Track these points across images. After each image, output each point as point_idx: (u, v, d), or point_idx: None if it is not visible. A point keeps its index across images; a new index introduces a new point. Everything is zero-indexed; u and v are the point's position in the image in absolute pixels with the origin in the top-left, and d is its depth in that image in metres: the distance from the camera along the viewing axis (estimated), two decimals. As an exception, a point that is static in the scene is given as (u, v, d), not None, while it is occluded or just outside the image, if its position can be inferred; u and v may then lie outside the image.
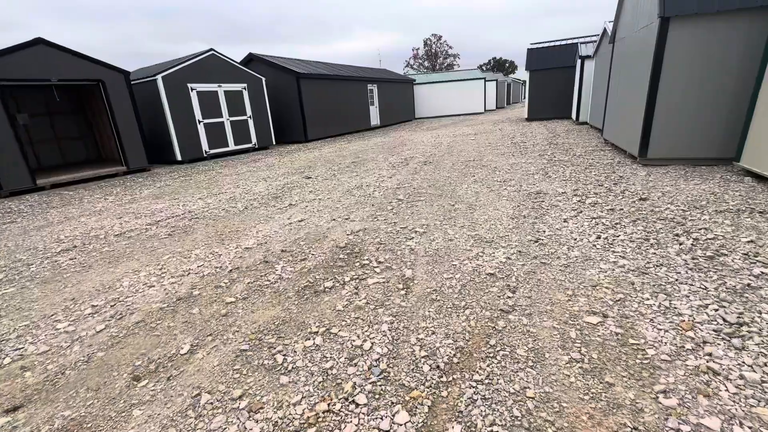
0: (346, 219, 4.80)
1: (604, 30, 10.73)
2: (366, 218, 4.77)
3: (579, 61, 13.67)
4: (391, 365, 2.12)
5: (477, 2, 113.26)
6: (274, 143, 14.61)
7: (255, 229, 4.69)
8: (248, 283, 3.23)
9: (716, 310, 2.39)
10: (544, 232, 3.89)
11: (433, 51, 63.58)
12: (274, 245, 4.07)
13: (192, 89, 11.55)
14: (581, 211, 4.42)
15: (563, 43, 16.95)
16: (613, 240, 3.56)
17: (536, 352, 2.13)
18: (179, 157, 11.45)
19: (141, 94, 11.49)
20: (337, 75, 17.06)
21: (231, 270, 3.52)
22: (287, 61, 16.33)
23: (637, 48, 6.79)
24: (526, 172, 6.66)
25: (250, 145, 13.58)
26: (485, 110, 28.65)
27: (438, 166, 7.85)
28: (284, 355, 2.26)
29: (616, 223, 3.96)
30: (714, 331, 2.20)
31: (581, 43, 14.16)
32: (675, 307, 2.46)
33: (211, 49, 12.05)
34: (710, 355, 2.02)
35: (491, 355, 2.14)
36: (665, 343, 2.14)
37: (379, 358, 2.18)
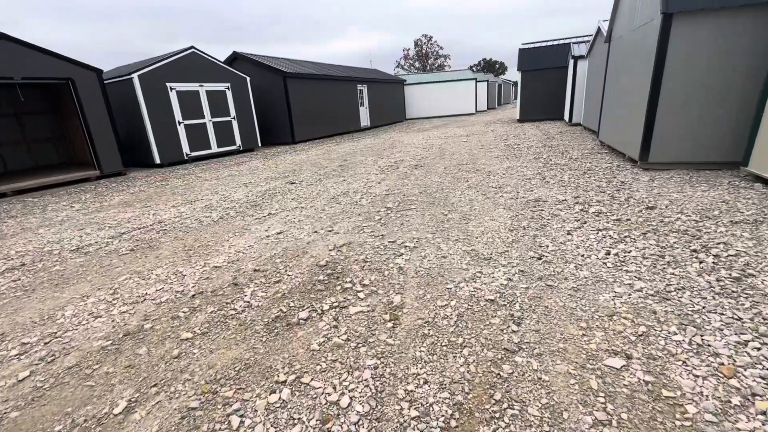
0: (330, 231, 4.37)
1: (598, 29, 10.48)
2: (351, 230, 4.34)
3: (572, 62, 13.44)
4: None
5: (467, 3, 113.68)
6: (260, 145, 14.09)
7: (228, 243, 4.23)
8: (211, 312, 2.78)
9: (758, 349, 2.02)
10: (547, 247, 3.51)
11: (424, 51, 63.45)
12: (247, 263, 3.62)
13: (171, 89, 10.99)
14: (585, 222, 4.06)
15: (555, 43, 16.74)
16: (625, 257, 3.19)
17: (552, 411, 1.74)
18: (158, 160, 10.88)
19: (116, 94, 10.90)
20: (326, 75, 16.60)
21: (194, 295, 3.06)
22: (273, 60, 15.82)
23: (636, 46, 6.49)
24: (522, 177, 6.30)
25: (234, 147, 13.04)
26: (476, 111, 28.44)
27: (429, 170, 7.46)
28: (242, 416, 1.83)
29: (625, 236, 3.61)
30: (761, 378, 1.83)
31: (574, 42, 13.94)
32: (709, 345, 2.09)
33: (192, 47, 11.50)
34: (765, 414, 1.64)
35: (497, 414, 1.74)
36: (706, 396, 1.76)
37: (358, 421, 1.76)
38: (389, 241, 3.90)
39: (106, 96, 9.53)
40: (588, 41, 13.61)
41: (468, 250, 3.56)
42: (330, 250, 3.78)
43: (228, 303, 2.90)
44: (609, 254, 3.27)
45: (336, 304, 2.77)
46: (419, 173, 7.26)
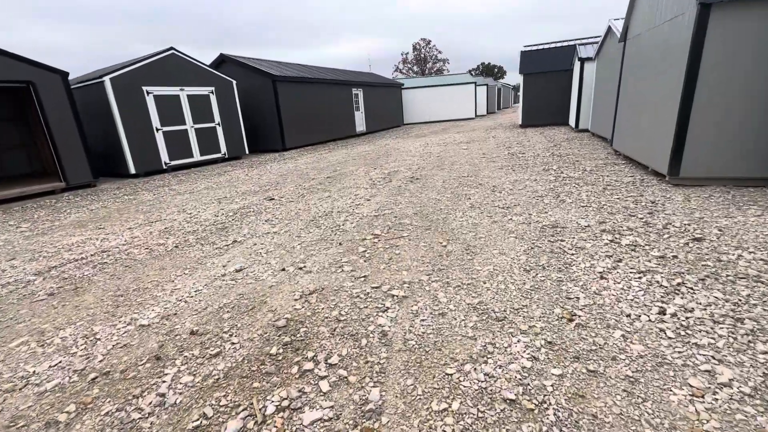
0: (301, 268, 3.52)
1: (609, 29, 9.70)
2: (327, 267, 3.50)
3: (578, 64, 12.67)
4: None
5: (465, 8, 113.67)
6: (247, 152, 13.26)
7: (172, 285, 3.38)
8: (105, 415, 1.93)
9: None
10: (578, 299, 2.67)
11: (423, 55, 62.96)
12: (185, 320, 2.77)
13: (148, 93, 10.17)
14: (620, 259, 3.22)
15: (559, 45, 16.01)
16: (688, 319, 2.35)
17: None
18: (133, 170, 10.04)
19: (87, 98, 10.08)
20: (319, 78, 15.82)
21: (95, 378, 2.21)
22: (263, 63, 15.03)
23: (661, 45, 5.69)
24: (533, 194, 5.47)
25: (219, 155, 12.22)
26: (476, 115, 27.72)
27: (426, 184, 6.62)
28: None
29: (679, 283, 2.77)
30: None
31: (580, 44, 13.19)
32: None
33: (171, 48, 10.70)
34: None
35: None
36: None
37: None
38: (373, 287, 3.05)
39: (72, 101, 8.70)
40: (595, 42, 12.85)
41: (474, 303, 2.71)
42: (295, 300, 2.93)
43: (136, 396, 2.04)
44: (664, 314, 2.42)
45: (286, 402, 1.92)
46: (415, 188, 6.42)
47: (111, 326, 2.75)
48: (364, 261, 3.58)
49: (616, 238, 3.67)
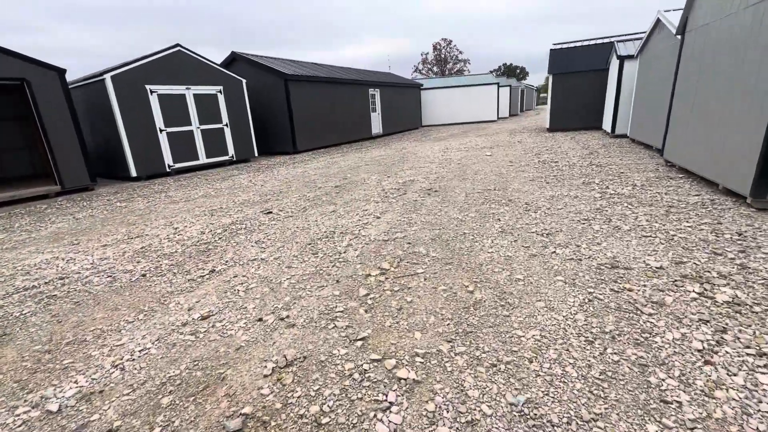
0: (283, 318, 2.71)
1: (657, 22, 8.57)
2: (316, 319, 2.68)
3: (616, 62, 11.49)
4: None
5: (488, 8, 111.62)
6: (256, 155, 12.64)
7: (117, 336, 2.62)
8: None
9: None
10: (680, 406, 1.75)
11: (443, 56, 61.81)
12: (110, 404, 1.99)
13: (152, 92, 9.63)
14: (724, 329, 2.27)
15: (593, 42, 14.78)
16: None
17: None
18: (134, 173, 9.52)
19: (87, 97, 9.64)
20: (333, 78, 15.10)
21: None
22: (275, 61, 14.42)
23: (741, 36, 4.64)
24: (576, 216, 4.51)
25: (226, 158, 11.63)
26: (497, 118, 26.53)
27: (446, 199, 5.73)
28: None
29: (836, 384, 1.81)
30: None
31: (619, 41, 11.98)
32: None
33: (177, 45, 10.15)
34: None
35: None
36: None
37: None
38: (373, 359, 2.20)
39: (69, 99, 8.21)
40: (638, 39, 11.65)
41: (519, 402, 1.83)
42: (265, 377, 2.12)
43: None
44: (839, 452, 1.48)
45: None
46: (432, 203, 5.54)
47: (8, 411, 2.00)
48: (365, 311, 2.73)
49: (706, 290, 2.70)
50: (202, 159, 10.98)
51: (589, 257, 3.37)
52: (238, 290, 3.20)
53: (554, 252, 3.53)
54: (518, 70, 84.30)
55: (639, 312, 2.51)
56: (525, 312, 2.59)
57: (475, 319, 2.55)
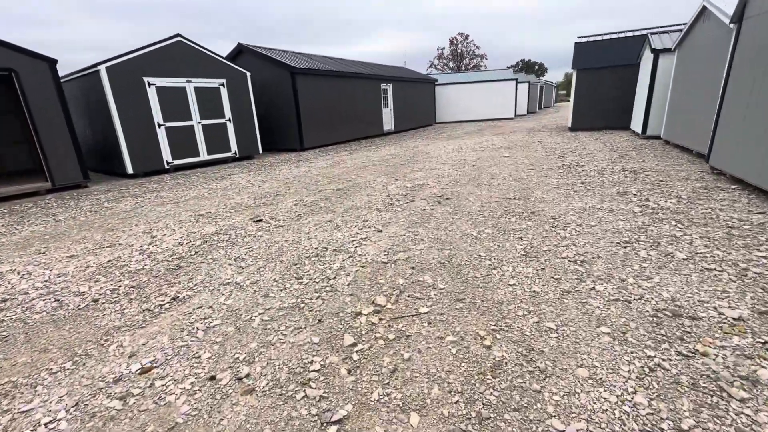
0: (241, 379, 2.09)
1: (703, 9, 7.62)
2: (284, 381, 2.04)
3: (650, 57, 10.50)
4: None
5: (505, 3, 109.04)
6: (260, 151, 12.10)
7: (27, 397, 2.04)
8: None
9: None
10: None
11: (459, 51, 60.43)
12: None
13: (150, 84, 9.15)
14: None
15: (623, 35, 13.73)
16: None
17: None
18: (130, 170, 9.07)
19: (83, 90, 9.23)
20: (343, 71, 14.43)
21: None
22: (283, 53, 13.83)
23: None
24: (615, 236, 3.77)
25: (229, 155, 11.12)
26: (515, 115, 25.47)
27: (459, 208, 5.03)
28: None
29: None
30: None
31: (653, 33, 10.97)
32: None
33: (178, 35, 9.63)
34: None
35: None
36: None
37: None
38: (347, 463, 1.56)
39: (60, 91, 7.76)
40: (675, 30, 10.63)
41: None
42: (194, 487, 1.49)
43: None
44: None
45: None
46: (443, 214, 4.85)
47: None
48: (348, 372, 2.09)
49: (815, 362, 1.96)
50: (203, 156, 10.48)
51: (640, 298, 2.65)
52: (197, 329, 2.59)
53: (593, 288, 2.81)
54: (536, 66, 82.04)
55: (725, 395, 1.80)
56: (562, 386, 1.90)
57: (493, 395, 1.88)
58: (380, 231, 4.32)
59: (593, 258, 3.32)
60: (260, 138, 13.30)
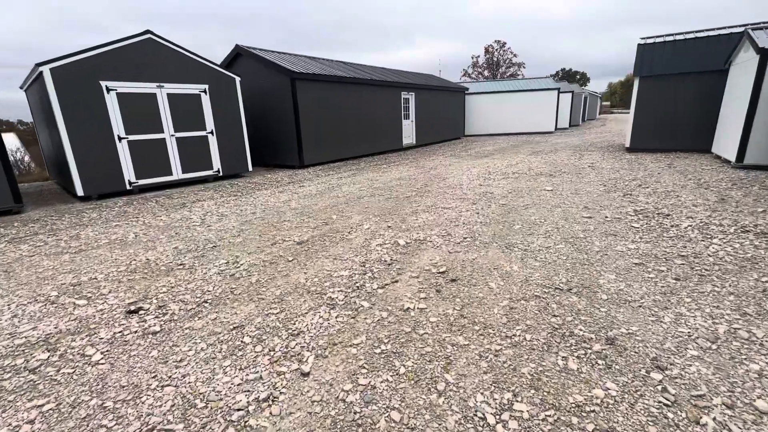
0: None
1: None
2: None
3: (751, 59, 7.83)
4: None
5: (545, 10, 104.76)
6: (250, 169, 10.37)
7: None
8: None
9: None
10: None
11: (495, 59, 57.65)
12: None
13: (109, 89, 7.61)
14: None
15: (705, 35, 10.95)
16: None
17: None
18: (80, 191, 7.53)
19: (39, 96, 7.82)
20: (354, 78, 12.55)
21: None
22: (284, 57, 12.15)
23: None
24: None
25: (210, 173, 9.45)
26: (555, 129, 22.68)
27: (469, 309, 2.85)
28: None
29: None
30: None
31: (755, 29, 8.28)
32: None
33: (148, 32, 8.08)
34: None
35: None
36: None
37: None
38: None
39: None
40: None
41: None
42: None
43: None
44: None
45: None
46: (439, 324, 2.69)
47: None
48: None
49: None
50: (177, 174, 8.85)
51: None
52: None
53: None
54: (578, 76, 77.24)
55: None
56: None
57: None
58: (305, 377, 2.23)
59: None
60: (255, 153, 11.65)
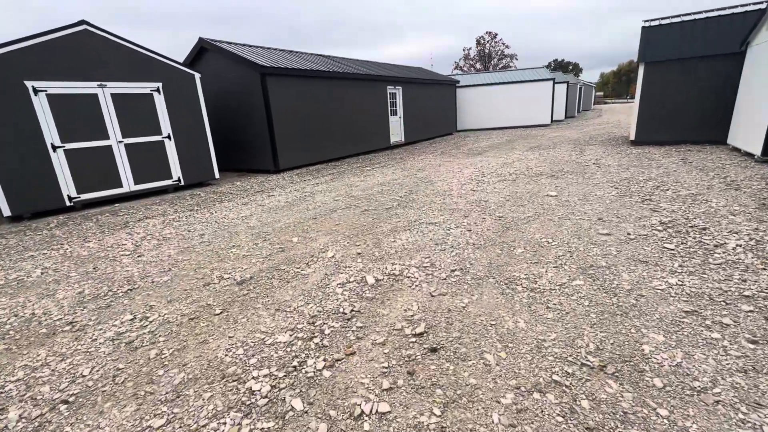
0: None
1: None
2: None
3: (777, 38, 6.85)
4: None
5: (532, 3, 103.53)
6: (216, 176, 9.28)
7: None
8: None
9: None
10: None
11: (487, 51, 56.54)
12: None
13: (37, 91, 6.49)
14: None
15: (716, 14, 9.96)
16: None
17: None
18: (6, 211, 6.43)
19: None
20: (334, 72, 11.44)
21: None
22: (253, 50, 11.01)
23: None
24: None
25: (169, 182, 8.36)
26: (551, 121, 21.72)
27: (458, 385, 1.84)
28: None
29: None
30: None
31: (781, 2, 7.30)
32: None
33: (83, 22, 6.95)
34: None
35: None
36: None
37: None
38: None
39: None
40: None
41: None
42: None
43: None
44: None
45: None
46: (417, 420, 1.69)
47: None
48: None
49: None
50: (128, 186, 7.75)
51: None
52: None
53: None
54: (571, 66, 76.24)
55: None
56: None
57: None
58: None
59: None
60: (226, 158, 10.58)
